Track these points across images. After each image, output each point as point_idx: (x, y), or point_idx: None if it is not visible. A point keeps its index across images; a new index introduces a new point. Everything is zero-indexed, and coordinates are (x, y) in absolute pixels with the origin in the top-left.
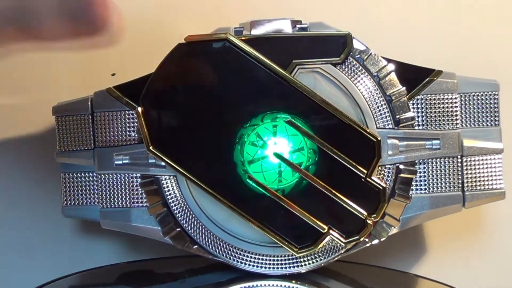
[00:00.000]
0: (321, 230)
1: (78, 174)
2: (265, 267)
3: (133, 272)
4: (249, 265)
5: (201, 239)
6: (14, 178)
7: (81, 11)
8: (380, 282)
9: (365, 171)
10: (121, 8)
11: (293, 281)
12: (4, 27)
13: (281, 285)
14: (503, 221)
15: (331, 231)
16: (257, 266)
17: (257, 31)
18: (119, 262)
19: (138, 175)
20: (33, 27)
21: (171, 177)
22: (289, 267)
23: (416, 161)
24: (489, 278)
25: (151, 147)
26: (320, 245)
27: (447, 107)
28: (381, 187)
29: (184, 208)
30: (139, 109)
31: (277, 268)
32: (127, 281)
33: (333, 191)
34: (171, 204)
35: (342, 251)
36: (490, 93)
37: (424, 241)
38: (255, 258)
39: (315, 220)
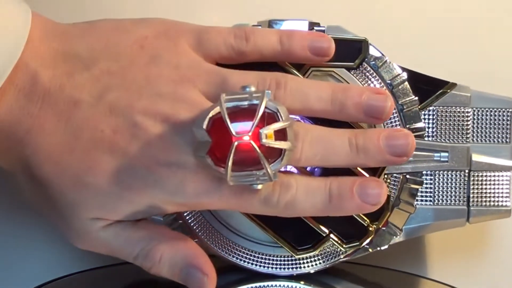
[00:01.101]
0: (322, 233)
1: None
2: (264, 266)
3: (133, 275)
4: (248, 263)
5: (202, 234)
6: (13, 177)
7: None
8: (387, 283)
9: None
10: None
11: (295, 281)
12: None
13: (280, 285)
14: (507, 226)
15: (331, 235)
16: (256, 265)
17: None
18: (119, 263)
19: None
20: None
21: None
22: (292, 268)
23: (423, 172)
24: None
25: None
26: (320, 248)
27: (459, 120)
28: None
29: None
30: None
31: (276, 268)
32: (127, 283)
33: None
34: None
35: (342, 257)
36: (504, 110)
37: (426, 245)
38: (254, 256)
39: (317, 223)
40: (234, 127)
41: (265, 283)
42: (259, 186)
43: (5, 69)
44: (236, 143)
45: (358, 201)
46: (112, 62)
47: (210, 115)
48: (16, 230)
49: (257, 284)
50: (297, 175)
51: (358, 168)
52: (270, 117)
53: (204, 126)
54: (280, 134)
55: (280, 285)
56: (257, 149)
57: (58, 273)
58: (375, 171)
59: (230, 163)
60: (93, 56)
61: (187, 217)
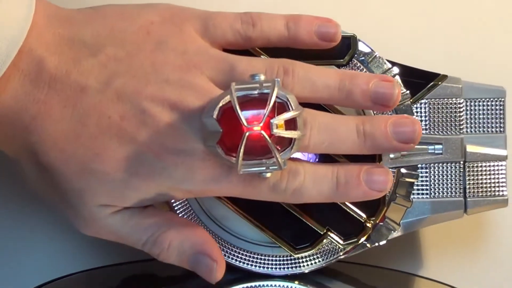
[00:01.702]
0: (319, 231)
1: None
2: (262, 267)
3: (133, 274)
4: (246, 264)
5: None
6: (14, 176)
7: None
8: (382, 282)
9: None
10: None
11: (290, 281)
12: None
13: (275, 285)
14: (504, 223)
15: (329, 233)
16: (254, 266)
17: None
18: (119, 263)
19: None
20: None
21: None
22: (287, 268)
23: (418, 165)
24: (490, 281)
25: None
26: (318, 247)
27: (452, 112)
28: None
29: (184, 203)
30: None
31: (274, 268)
32: (126, 283)
33: None
34: None
35: (341, 254)
36: (496, 99)
37: (424, 242)
38: (252, 257)
39: (314, 221)
40: (245, 117)
41: (260, 283)
42: (268, 175)
43: (9, 54)
44: (247, 134)
45: (365, 188)
46: (119, 48)
47: (221, 104)
48: (16, 230)
49: (252, 284)
50: (304, 162)
51: None
52: (280, 106)
53: (215, 116)
54: (290, 123)
55: (275, 285)
56: (268, 139)
57: (58, 273)
58: None
59: (241, 153)
60: (99, 42)
61: None
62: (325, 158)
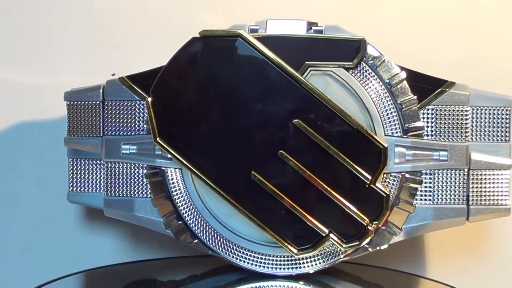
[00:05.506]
0: (321, 233)
1: (85, 161)
2: (263, 266)
3: (133, 274)
4: (247, 263)
5: (201, 234)
6: (13, 176)
7: None
8: (387, 283)
9: (370, 177)
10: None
11: (294, 281)
12: None
13: (280, 285)
14: (507, 225)
15: (331, 235)
16: (255, 265)
17: (272, 30)
18: (119, 263)
19: (144, 165)
20: None
21: (177, 169)
22: (287, 268)
23: (423, 171)
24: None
25: (158, 139)
26: (319, 248)
27: (458, 119)
28: (384, 195)
29: (187, 202)
30: (149, 99)
31: (275, 268)
32: (127, 284)
33: (336, 195)
34: (175, 197)
35: (342, 256)
36: (502, 108)
37: (426, 244)
38: (253, 256)
39: (316, 222)
40: None
41: (265, 283)
42: None
43: None
44: None
45: None
46: None
47: None
48: (16, 230)
49: (257, 284)
50: None
51: (357, 168)
52: None
53: None
54: None
55: (279, 285)
56: None
57: (58, 273)
58: (374, 171)
59: None
60: None
61: (186, 218)
62: (326, 159)
